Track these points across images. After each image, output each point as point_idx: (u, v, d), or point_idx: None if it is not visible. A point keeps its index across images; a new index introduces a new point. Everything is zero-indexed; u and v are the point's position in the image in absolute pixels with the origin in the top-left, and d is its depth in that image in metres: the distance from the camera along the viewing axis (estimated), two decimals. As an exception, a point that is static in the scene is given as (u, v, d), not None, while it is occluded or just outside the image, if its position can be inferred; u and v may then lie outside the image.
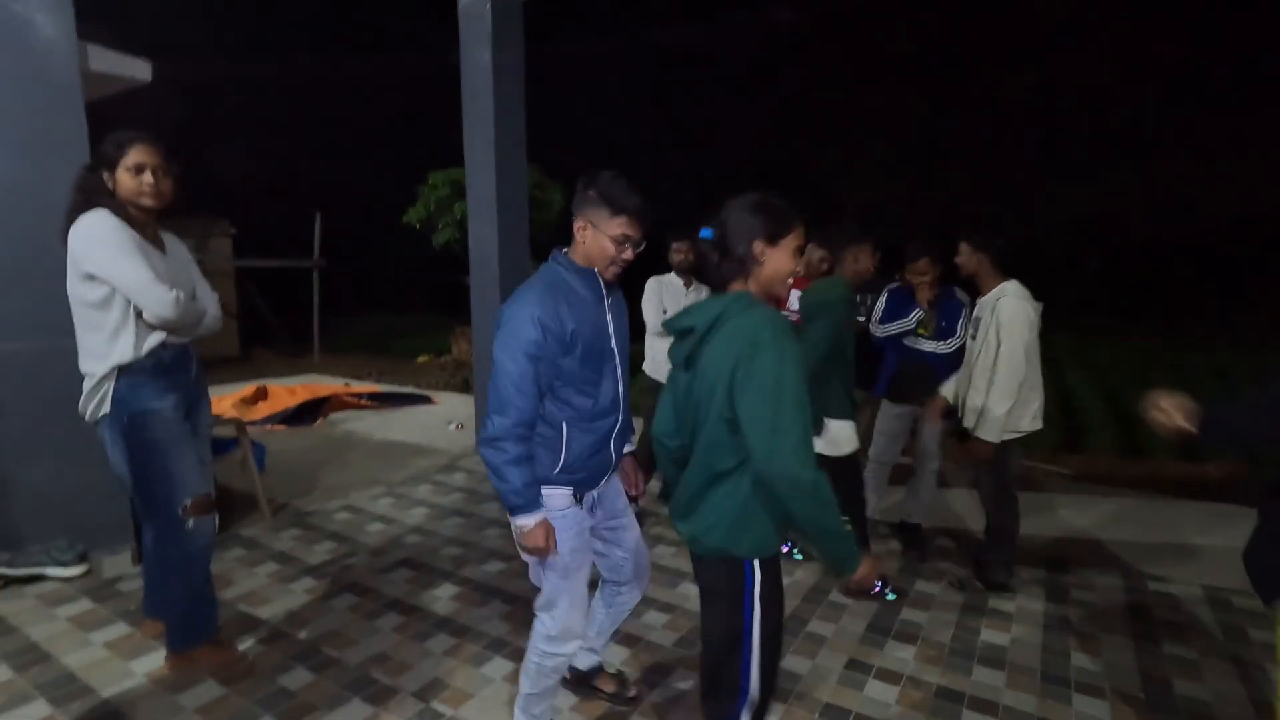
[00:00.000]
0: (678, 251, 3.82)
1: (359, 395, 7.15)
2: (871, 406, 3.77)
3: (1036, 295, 2.94)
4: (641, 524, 3.76)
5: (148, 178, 2.18)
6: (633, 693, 2.32)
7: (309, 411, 6.46)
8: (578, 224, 1.77)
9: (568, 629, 1.89)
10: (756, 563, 1.53)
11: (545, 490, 1.79)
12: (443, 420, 6.39)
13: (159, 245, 2.29)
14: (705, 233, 1.57)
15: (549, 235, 10.09)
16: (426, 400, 7.41)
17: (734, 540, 1.52)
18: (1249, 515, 1.73)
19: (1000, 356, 2.83)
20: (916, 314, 3.43)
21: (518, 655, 2.55)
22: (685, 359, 1.57)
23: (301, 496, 4.30)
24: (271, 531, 3.74)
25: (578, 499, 1.87)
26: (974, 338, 3.04)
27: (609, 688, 2.32)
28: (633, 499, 2.12)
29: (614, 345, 1.85)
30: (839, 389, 2.96)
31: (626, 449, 2.04)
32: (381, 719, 2.19)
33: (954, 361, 3.34)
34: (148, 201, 2.20)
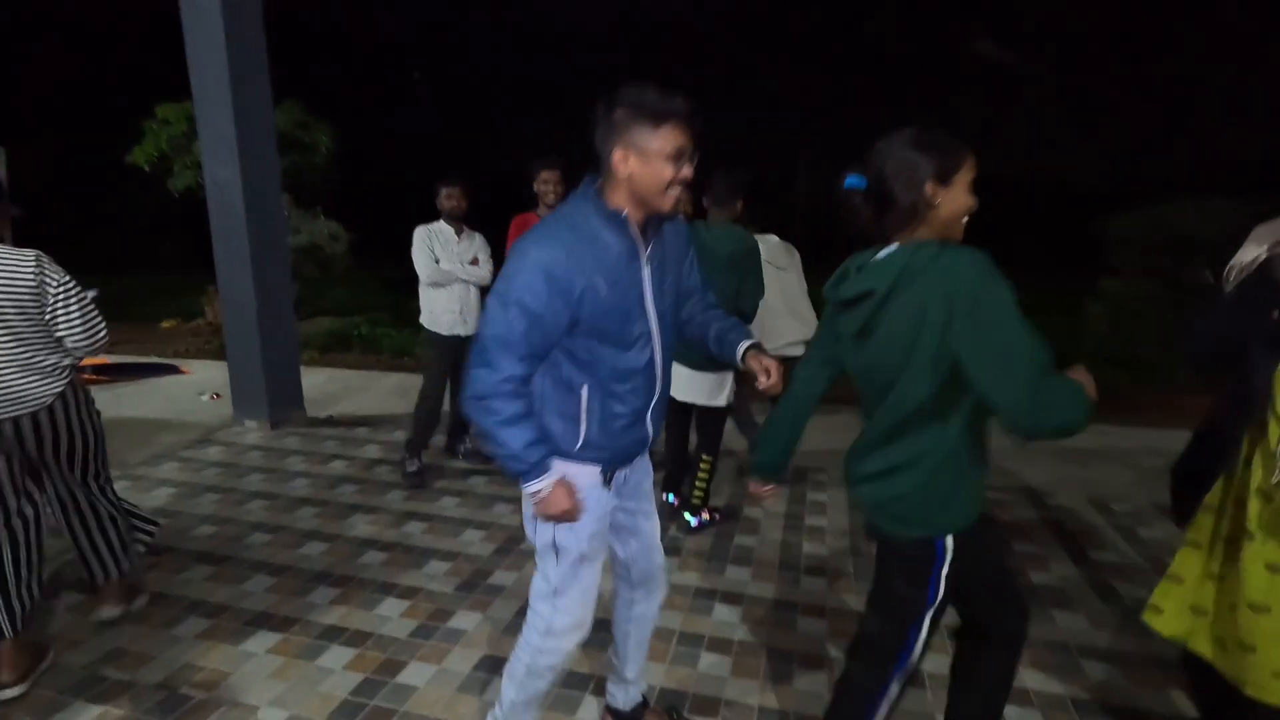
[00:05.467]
0: (449, 198, 3.70)
1: (80, 369, 6.03)
2: None
3: (838, 249, 3.40)
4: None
5: None
6: None
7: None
8: (615, 156, 1.40)
9: (577, 621, 1.63)
10: (949, 539, 1.40)
11: (567, 466, 1.52)
12: (195, 391, 5.66)
13: None
14: (855, 181, 1.36)
15: (317, 178, 9.16)
16: (174, 370, 6.48)
17: (926, 517, 1.39)
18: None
19: (800, 290, 3.36)
20: None
21: (283, 625, 2.43)
22: (860, 328, 1.38)
23: None
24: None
25: (606, 479, 1.58)
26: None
27: None
28: (762, 392, 1.65)
29: (650, 307, 1.50)
30: None
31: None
32: (111, 717, 1.98)
33: None
34: None
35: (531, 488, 1.47)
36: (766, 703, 2.09)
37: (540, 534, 1.59)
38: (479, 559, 2.92)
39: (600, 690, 2.08)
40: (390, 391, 5.59)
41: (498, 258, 3.64)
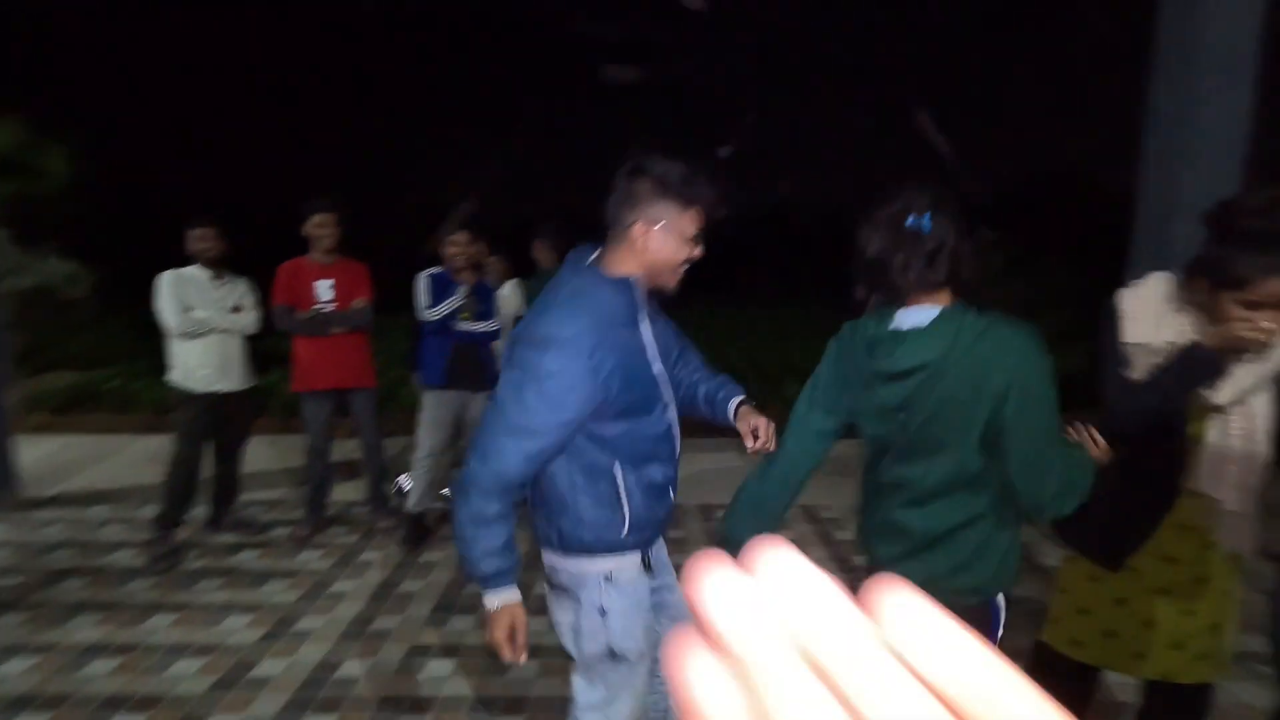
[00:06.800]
0: (200, 239, 3.29)
1: None
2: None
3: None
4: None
5: None
6: None
7: None
8: (637, 226, 1.34)
9: None
10: (1001, 598, 1.38)
11: (613, 561, 1.41)
12: None
13: None
14: (922, 224, 1.22)
15: (47, 209, 7.78)
16: None
17: (986, 579, 1.32)
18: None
19: None
20: (463, 291, 3.38)
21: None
22: (905, 399, 1.29)
23: None
24: None
25: (646, 563, 1.47)
26: None
27: None
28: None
29: (657, 370, 1.45)
30: None
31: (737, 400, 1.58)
32: None
33: (494, 341, 3.54)
34: None
35: (488, 599, 1.37)
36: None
37: (590, 643, 1.44)
38: (241, 649, 2.56)
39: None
40: (143, 458, 4.79)
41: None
